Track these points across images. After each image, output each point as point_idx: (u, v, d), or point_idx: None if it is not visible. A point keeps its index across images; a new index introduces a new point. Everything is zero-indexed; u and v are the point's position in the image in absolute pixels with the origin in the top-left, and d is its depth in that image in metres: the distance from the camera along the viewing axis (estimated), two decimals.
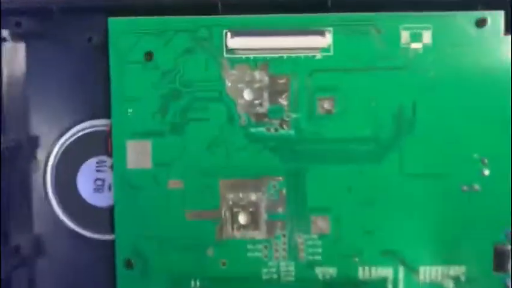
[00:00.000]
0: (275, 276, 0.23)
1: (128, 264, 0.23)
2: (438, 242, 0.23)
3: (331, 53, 0.22)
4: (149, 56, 0.23)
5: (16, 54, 0.24)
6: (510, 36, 0.23)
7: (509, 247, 0.23)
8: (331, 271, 0.23)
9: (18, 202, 0.24)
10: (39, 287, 0.25)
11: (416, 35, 0.22)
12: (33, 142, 0.24)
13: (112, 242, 0.24)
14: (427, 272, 0.23)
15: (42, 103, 0.24)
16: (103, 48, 0.23)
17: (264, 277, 0.23)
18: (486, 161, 0.23)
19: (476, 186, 0.23)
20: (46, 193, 0.24)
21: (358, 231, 0.23)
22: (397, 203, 0.23)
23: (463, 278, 0.23)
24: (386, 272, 0.23)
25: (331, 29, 0.22)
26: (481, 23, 0.22)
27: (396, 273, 0.23)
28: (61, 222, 0.25)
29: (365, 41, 0.22)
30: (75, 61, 0.24)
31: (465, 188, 0.23)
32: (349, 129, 0.23)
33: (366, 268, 0.23)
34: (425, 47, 0.22)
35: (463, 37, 0.22)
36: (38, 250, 0.25)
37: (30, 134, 0.24)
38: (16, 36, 0.24)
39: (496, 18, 0.22)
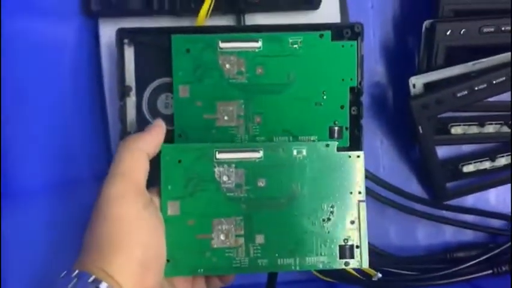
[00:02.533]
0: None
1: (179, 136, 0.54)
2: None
3: (262, 48, 0.47)
4: (188, 50, 0.46)
5: (130, 51, 0.55)
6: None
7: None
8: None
9: (131, 112, 0.54)
10: None
11: (295, 42, 0.51)
12: (139, 87, 0.54)
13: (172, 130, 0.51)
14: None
15: (143, 71, 0.52)
16: (170, 48, 0.48)
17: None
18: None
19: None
20: (143, 107, 0.54)
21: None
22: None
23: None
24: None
25: (261, 39, 0.48)
26: (321, 36, 0.52)
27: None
28: (148, 121, 0.49)
29: (275, 43, 0.47)
30: (157, 53, 0.48)
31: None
32: (270, 80, 0.48)
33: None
34: (299, 46, 0.52)
35: (315, 43, 0.50)
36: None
37: (138, 84, 0.53)
38: (130, 42, 0.54)
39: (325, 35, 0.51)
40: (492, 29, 0.52)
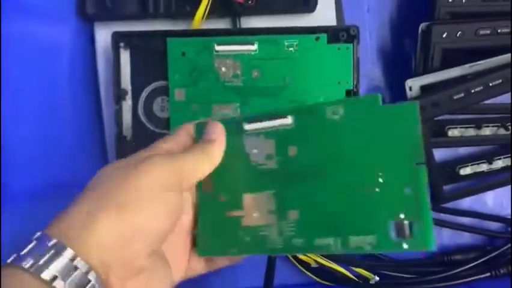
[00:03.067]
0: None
1: None
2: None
3: (257, 52, 0.48)
4: (183, 54, 0.48)
5: (125, 55, 0.55)
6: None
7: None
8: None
9: (127, 116, 0.55)
10: None
11: (291, 44, 0.52)
12: (135, 90, 0.54)
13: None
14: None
15: (139, 74, 0.52)
16: (165, 51, 0.50)
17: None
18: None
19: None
20: (138, 111, 0.54)
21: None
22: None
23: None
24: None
25: (256, 42, 0.49)
26: (317, 39, 0.52)
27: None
28: (144, 124, 0.51)
29: (271, 46, 0.48)
30: (153, 56, 0.49)
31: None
32: (266, 83, 0.49)
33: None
34: (294, 49, 0.52)
35: (310, 46, 0.50)
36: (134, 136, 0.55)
37: (134, 87, 0.53)
38: (126, 46, 0.54)
39: (320, 37, 0.51)
40: (488, 31, 0.52)
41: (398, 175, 0.32)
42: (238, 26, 0.51)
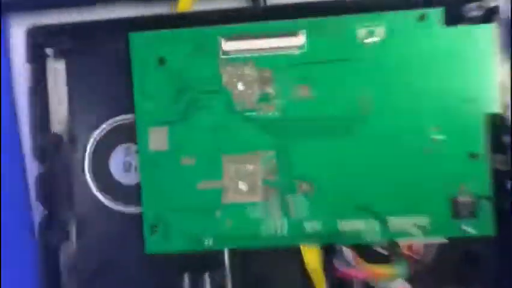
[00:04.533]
0: (272, 231, 0.28)
1: (153, 230, 0.28)
2: (404, 197, 0.27)
3: (305, 50, 0.28)
4: (162, 61, 0.28)
5: (58, 68, 0.30)
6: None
7: (463, 199, 0.27)
8: (316, 225, 0.28)
9: (62, 185, 0.30)
10: (79, 257, 0.30)
11: (370, 31, 0.27)
12: (74, 136, 0.30)
13: (139, 214, 0.28)
14: (396, 222, 0.28)
15: (82, 103, 0.30)
16: (127, 57, 0.28)
17: (263, 233, 0.28)
18: (439, 128, 0.27)
19: (431, 150, 0.27)
20: (84, 176, 0.29)
21: (336, 192, 0.27)
22: (367, 168, 0.27)
23: (427, 226, 0.27)
24: (360, 223, 0.28)
25: (304, 30, 0.27)
26: (422, 18, 0.27)
27: (369, 224, 0.28)
28: (97, 199, 0.29)
29: (331, 39, 0.27)
30: (106, 69, 0.29)
31: (424, 150, 0.27)
32: (323, 109, 0.27)
33: (344, 221, 0.28)
34: (380, 41, 0.27)
35: (409, 32, 0.27)
36: (79, 225, 0.30)
37: (72, 130, 0.30)
38: (58, 52, 0.30)
39: (437, 13, 0.27)
40: None
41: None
42: (263, 3, 0.30)
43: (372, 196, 0.27)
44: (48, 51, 0.29)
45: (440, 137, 0.27)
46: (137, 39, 0.28)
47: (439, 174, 0.27)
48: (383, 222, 0.27)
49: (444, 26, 0.27)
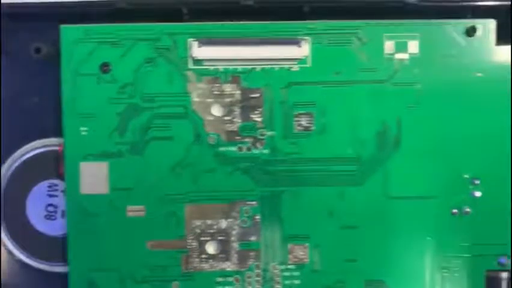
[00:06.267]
0: None
1: None
2: (427, 272, 0.22)
3: (309, 65, 0.21)
4: (105, 67, 0.21)
5: None
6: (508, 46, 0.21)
7: (502, 274, 0.22)
8: None
9: None
10: None
11: (402, 44, 0.21)
12: None
13: (66, 274, 0.22)
14: None
15: None
16: (54, 59, 0.21)
17: None
18: (477, 181, 0.21)
19: (467, 209, 0.21)
20: None
21: (339, 261, 0.21)
22: (382, 229, 0.21)
23: None
24: None
25: (308, 38, 0.21)
26: (471, 32, 0.21)
27: None
28: (10, 252, 0.22)
29: (346, 52, 0.21)
30: (21, 74, 0.22)
31: (455, 211, 0.21)
32: (329, 148, 0.22)
33: None
34: (411, 57, 0.21)
35: (452, 47, 0.21)
36: None
37: None
38: None
39: (487, 27, 0.21)
40: None
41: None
42: None
43: (387, 269, 0.21)
44: None
45: (478, 193, 0.21)
46: (71, 35, 0.21)
47: (475, 241, 0.21)
48: None
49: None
